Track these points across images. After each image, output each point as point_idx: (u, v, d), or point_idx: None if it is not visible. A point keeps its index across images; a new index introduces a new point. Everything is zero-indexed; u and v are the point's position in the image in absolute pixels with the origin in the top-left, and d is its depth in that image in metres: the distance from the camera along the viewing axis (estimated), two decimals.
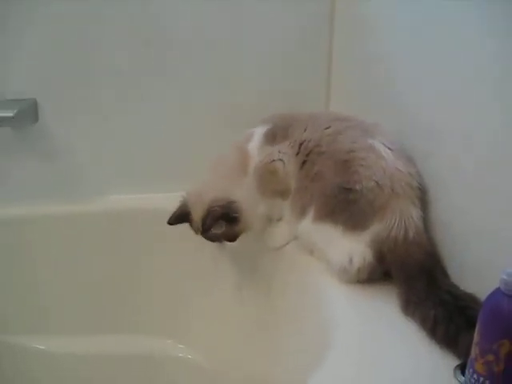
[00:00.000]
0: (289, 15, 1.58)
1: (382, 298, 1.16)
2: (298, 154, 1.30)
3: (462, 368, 0.94)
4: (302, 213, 1.28)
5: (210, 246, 1.50)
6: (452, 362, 0.97)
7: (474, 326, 0.85)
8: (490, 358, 0.81)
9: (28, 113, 1.51)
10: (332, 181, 1.22)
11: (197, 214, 1.35)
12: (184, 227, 1.39)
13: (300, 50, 1.62)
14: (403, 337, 1.07)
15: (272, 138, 1.37)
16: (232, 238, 1.37)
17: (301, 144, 1.30)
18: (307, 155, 1.29)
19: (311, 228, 1.26)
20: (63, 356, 1.64)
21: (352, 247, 1.19)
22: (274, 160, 1.34)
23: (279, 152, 1.33)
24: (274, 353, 1.38)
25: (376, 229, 1.17)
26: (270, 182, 1.35)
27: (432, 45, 1.19)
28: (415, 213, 1.19)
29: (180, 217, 1.38)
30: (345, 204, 1.20)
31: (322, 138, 1.28)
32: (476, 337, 0.84)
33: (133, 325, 1.65)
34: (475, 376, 0.84)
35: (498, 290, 0.81)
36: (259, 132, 1.40)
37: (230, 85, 1.61)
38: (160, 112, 1.60)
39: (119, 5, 1.49)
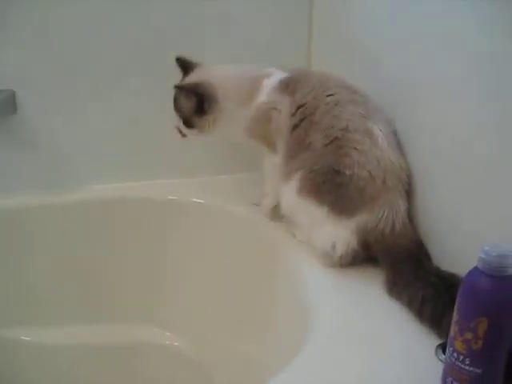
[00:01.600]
0: None
1: (365, 280, 1.18)
2: (293, 115, 1.27)
3: (443, 347, 0.95)
4: (287, 177, 1.26)
5: (197, 235, 1.51)
6: (434, 341, 0.99)
7: None
8: (469, 335, 0.82)
9: (6, 104, 1.49)
10: (321, 156, 1.20)
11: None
12: (171, 217, 1.37)
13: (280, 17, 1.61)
14: (386, 317, 1.08)
15: (285, 87, 1.32)
16: (188, 124, 1.37)
17: (298, 107, 1.26)
18: (301, 120, 1.25)
19: (295, 200, 1.25)
20: (50, 347, 1.63)
21: (336, 232, 1.19)
22: (274, 108, 1.31)
23: (281, 103, 1.30)
24: (261, 339, 1.38)
25: (363, 218, 1.17)
26: (260, 125, 1.33)
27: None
28: (402, 205, 1.19)
29: (190, 76, 1.38)
30: (333, 186, 1.18)
31: (319, 106, 1.24)
32: (455, 315, 0.85)
33: (120, 314, 1.65)
34: (455, 354, 0.85)
35: (475, 268, 0.82)
36: (277, 76, 1.34)
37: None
38: (142, 99, 1.58)
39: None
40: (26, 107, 1.52)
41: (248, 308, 1.46)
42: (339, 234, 1.19)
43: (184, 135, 1.40)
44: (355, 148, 1.18)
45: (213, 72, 1.38)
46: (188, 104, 1.34)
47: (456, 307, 0.85)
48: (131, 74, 1.56)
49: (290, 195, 1.25)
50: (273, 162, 1.34)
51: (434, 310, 1.01)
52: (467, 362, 0.84)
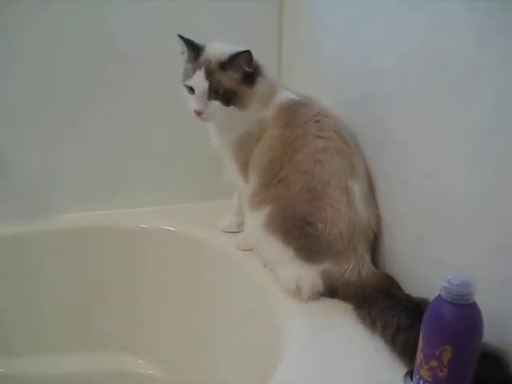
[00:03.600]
0: None
1: (336, 311, 1.18)
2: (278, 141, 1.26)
3: (411, 374, 0.96)
4: (255, 206, 1.26)
5: (169, 262, 1.50)
6: (403, 368, 0.99)
7: None
8: (434, 363, 0.84)
9: None
10: (295, 200, 1.21)
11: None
12: (143, 246, 1.35)
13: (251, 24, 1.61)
14: (354, 344, 1.09)
15: (288, 109, 1.29)
16: (230, 98, 1.24)
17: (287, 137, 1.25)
18: (283, 152, 1.24)
19: (260, 233, 1.25)
20: (23, 378, 1.59)
21: (302, 274, 1.20)
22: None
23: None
24: (236, 366, 1.38)
25: (328, 267, 1.20)
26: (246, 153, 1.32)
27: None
28: (367, 257, 1.22)
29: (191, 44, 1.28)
30: (302, 233, 1.20)
31: (306, 145, 1.23)
32: (420, 343, 0.86)
33: (92, 342, 1.63)
34: (421, 382, 0.86)
35: (439, 297, 0.84)
36: (287, 94, 1.32)
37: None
38: (114, 126, 1.59)
39: (68, 18, 1.47)
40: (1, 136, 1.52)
41: (219, 334, 1.46)
42: (304, 276, 1.20)
43: (201, 114, 1.26)
44: (331, 205, 1.19)
45: None
46: (239, 72, 1.24)
47: (421, 335, 0.86)
48: (105, 103, 1.56)
49: (256, 225, 1.26)
50: (242, 189, 1.35)
51: (408, 340, 1.01)
52: None
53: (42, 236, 1.58)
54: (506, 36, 0.87)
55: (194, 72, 1.24)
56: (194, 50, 1.27)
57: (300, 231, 1.20)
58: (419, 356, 0.86)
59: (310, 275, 1.20)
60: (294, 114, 1.27)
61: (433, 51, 1.02)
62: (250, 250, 1.39)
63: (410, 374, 0.97)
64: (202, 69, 1.23)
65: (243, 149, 1.31)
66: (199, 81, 1.23)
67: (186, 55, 1.30)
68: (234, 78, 1.24)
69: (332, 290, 1.21)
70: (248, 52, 1.22)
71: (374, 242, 1.25)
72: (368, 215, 1.22)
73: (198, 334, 1.52)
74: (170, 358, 1.58)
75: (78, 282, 1.61)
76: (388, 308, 1.09)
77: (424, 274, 1.11)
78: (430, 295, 0.87)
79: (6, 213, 1.56)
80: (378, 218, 1.25)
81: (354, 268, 1.19)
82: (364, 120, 1.28)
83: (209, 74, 1.23)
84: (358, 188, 1.21)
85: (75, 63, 1.51)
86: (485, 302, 0.82)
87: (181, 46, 1.29)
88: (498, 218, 0.91)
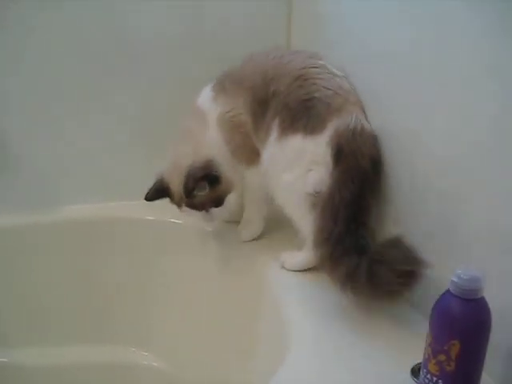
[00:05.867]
0: None
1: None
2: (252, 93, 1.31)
3: (418, 368, 0.96)
4: (266, 133, 1.28)
5: (177, 255, 1.50)
6: (410, 362, 0.99)
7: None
8: (442, 358, 0.84)
9: None
10: (290, 94, 1.25)
11: (176, 184, 1.33)
12: (146, 237, 1.37)
13: None
14: (362, 339, 1.09)
15: (221, 88, 1.37)
16: (218, 201, 1.35)
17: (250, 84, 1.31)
18: (260, 88, 1.30)
19: (276, 147, 1.26)
20: (26, 368, 1.60)
21: (312, 151, 1.22)
22: (239, 114, 1.34)
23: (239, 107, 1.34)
24: (237, 356, 1.39)
25: (334, 124, 1.21)
26: (237, 133, 1.35)
27: None
28: (366, 120, 1.24)
29: (158, 191, 1.37)
30: (304, 111, 1.23)
31: (267, 69, 1.30)
32: (428, 338, 0.86)
33: (96, 334, 1.64)
34: (429, 376, 0.86)
35: (448, 291, 0.84)
36: (205, 90, 1.40)
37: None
38: (121, 118, 1.59)
39: (77, 8, 1.48)
40: (7, 129, 1.52)
41: (223, 327, 1.46)
42: (314, 151, 1.21)
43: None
44: (318, 77, 1.26)
45: (180, 163, 1.35)
46: (205, 191, 1.33)
47: (429, 329, 0.86)
48: (109, 93, 1.56)
49: (271, 147, 1.27)
50: (257, 174, 1.34)
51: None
52: None
53: (47, 227, 1.59)
54: None
55: (181, 206, 1.37)
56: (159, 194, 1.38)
57: (302, 111, 1.24)
58: (427, 350, 0.87)
59: (319, 148, 1.21)
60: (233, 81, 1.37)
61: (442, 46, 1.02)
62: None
63: (417, 368, 0.97)
64: (183, 205, 1.35)
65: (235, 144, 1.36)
66: (193, 212, 1.35)
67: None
68: (203, 195, 1.32)
69: (338, 155, 1.19)
70: (187, 177, 1.29)
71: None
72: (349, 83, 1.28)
73: (203, 327, 1.52)
74: (175, 351, 1.58)
75: (83, 274, 1.61)
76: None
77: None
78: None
79: (11, 203, 1.56)
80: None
81: (357, 120, 1.21)
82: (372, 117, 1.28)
83: (191, 206, 1.34)
84: (329, 64, 1.29)
85: (83, 54, 1.51)
86: (493, 297, 0.82)
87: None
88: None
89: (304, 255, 1.30)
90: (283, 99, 1.26)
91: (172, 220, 1.56)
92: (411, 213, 1.15)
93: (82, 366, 1.62)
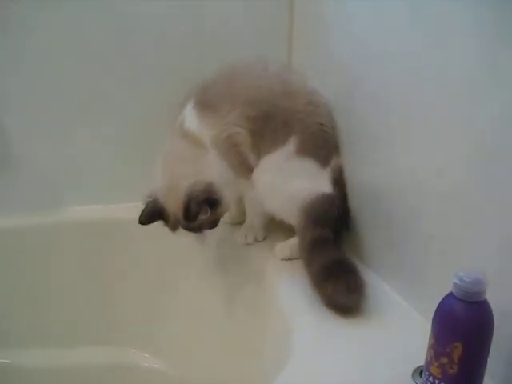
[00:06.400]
0: None
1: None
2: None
3: (420, 371, 0.95)
4: (272, 144, 1.31)
5: (181, 257, 1.50)
6: (412, 364, 0.98)
7: None
8: (444, 360, 0.84)
9: None
10: (310, 117, 1.32)
11: (173, 207, 1.27)
12: (145, 237, 1.36)
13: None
14: (362, 341, 1.09)
15: (204, 106, 1.33)
16: (214, 224, 1.32)
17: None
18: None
19: (289, 161, 1.30)
20: (28, 370, 1.61)
21: (319, 180, 1.32)
22: (233, 133, 1.31)
23: (233, 124, 1.31)
24: (239, 358, 1.38)
25: (335, 161, 1.34)
26: (236, 154, 1.34)
27: None
28: None
29: (152, 214, 1.29)
30: (320, 139, 1.32)
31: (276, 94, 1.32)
32: (430, 340, 0.86)
33: (97, 335, 1.64)
34: (431, 379, 0.86)
35: (450, 294, 0.83)
36: (187, 110, 1.35)
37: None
38: (125, 121, 1.59)
39: (81, 8, 1.48)
40: (9, 130, 1.52)
41: (224, 328, 1.46)
42: (320, 183, 1.31)
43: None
44: (322, 107, 1.35)
45: (176, 185, 1.29)
46: (206, 215, 1.28)
47: (431, 332, 0.86)
48: (110, 94, 1.56)
49: (286, 156, 1.31)
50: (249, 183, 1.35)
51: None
52: None
53: (48, 228, 1.59)
54: None
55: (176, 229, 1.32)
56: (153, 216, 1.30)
57: (321, 140, 1.33)
58: (429, 352, 0.86)
59: (326, 181, 1.32)
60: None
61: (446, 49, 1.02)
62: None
63: (418, 370, 0.97)
64: (179, 228, 1.30)
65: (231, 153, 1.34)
66: (189, 234, 1.31)
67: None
68: (203, 218, 1.27)
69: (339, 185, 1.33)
70: (189, 200, 1.24)
71: None
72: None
73: (204, 328, 1.52)
74: (176, 352, 1.58)
75: (86, 276, 1.61)
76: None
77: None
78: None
79: (12, 204, 1.56)
80: None
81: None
82: (373, 118, 1.28)
83: (187, 229, 1.30)
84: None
85: (83, 54, 1.51)
86: (496, 299, 0.82)
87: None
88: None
89: (294, 242, 1.34)
90: (303, 118, 1.31)
91: None
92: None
93: (82, 367, 1.62)
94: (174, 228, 1.30)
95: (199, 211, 1.24)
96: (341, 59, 1.36)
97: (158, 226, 1.54)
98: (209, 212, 1.26)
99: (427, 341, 0.88)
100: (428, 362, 0.87)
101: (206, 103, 1.33)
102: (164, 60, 1.57)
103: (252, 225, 1.47)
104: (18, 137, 1.54)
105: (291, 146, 1.29)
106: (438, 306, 0.85)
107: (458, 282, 0.82)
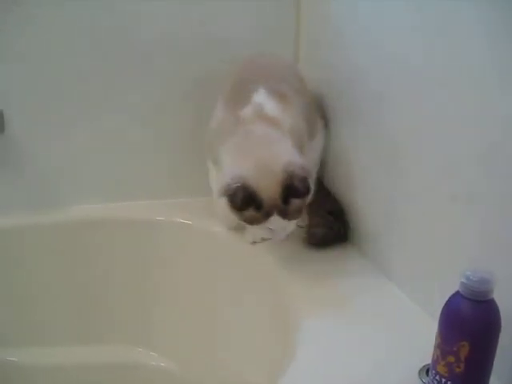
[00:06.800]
0: None
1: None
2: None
3: (426, 370, 0.96)
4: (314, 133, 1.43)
5: (184, 256, 1.51)
6: (418, 363, 0.99)
7: None
8: (451, 359, 0.84)
9: None
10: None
11: (269, 190, 1.16)
12: (158, 238, 1.35)
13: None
14: (368, 340, 1.09)
15: (279, 96, 1.30)
16: (302, 212, 1.22)
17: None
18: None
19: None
20: (35, 368, 1.61)
21: None
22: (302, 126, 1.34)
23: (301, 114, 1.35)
24: (248, 358, 1.38)
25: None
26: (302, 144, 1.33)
27: None
28: None
29: (248, 199, 1.16)
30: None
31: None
32: (437, 339, 0.86)
33: (103, 334, 1.64)
34: (437, 377, 0.86)
35: (457, 293, 0.84)
36: (261, 96, 1.29)
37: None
38: (129, 118, 1.59)
39: (82, 7, 1.48)
40: (13, 127, 1.52)
41: (232, 326, 1.47)
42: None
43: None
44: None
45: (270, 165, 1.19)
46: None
47: (438, 330, 0.86)
48: (110, 93, 1.56)
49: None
50: None
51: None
52: None
53: (48, 227, 1.59)
54: None
55: (264, 220, 1.18)
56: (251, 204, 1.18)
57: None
58: (436, 351, 0.87)
59: None
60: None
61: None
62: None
63: (425, 369, 0.97)
64: (274, 214, 1.17)
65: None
66: (277, 223, 1.19)
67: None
68: (300, 202, 1.18)
69: None
70: (290, 175, 1.16)
71: None
72: None
73: (211, 328, 1.52)
74: (182, 351, 1.58)
75: (91, 274, 1.61)
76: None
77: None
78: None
79: (12, 203, 1.56)
80: None
81: None
82: (376, 119, 1.29)
83: (285, 216, 1.18)
84: None
85: (90, 52, 1.51)
86: (503, 298, 0.82)
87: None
88: None
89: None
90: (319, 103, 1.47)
91: (183, 221, 1.56)
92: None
93: (88, 366, 1.63)
94: (267, 215, 1.17)
95: (304, 188, 1.16)
96: (347, 58, 1.36)
97: (158, 225, 1.55)
98: (312, 190, 1.18)
99: (433, 339, 0.88)
100: (435, 361, 0.87)
101: (278, 93, 1.30)
102: (166, 60, 1.56)
103: None
104: (18, 136, 1.54)
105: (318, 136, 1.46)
106: (445, 305, 0.86)
107: (465, 280, 0.82)
